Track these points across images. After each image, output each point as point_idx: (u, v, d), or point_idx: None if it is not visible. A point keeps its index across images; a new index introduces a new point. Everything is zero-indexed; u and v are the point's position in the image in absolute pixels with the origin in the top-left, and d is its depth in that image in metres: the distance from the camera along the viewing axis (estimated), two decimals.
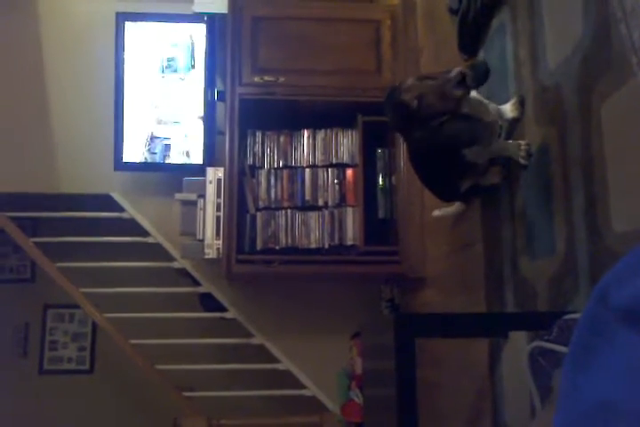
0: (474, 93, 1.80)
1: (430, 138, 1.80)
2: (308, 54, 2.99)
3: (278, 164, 3.05)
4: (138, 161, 3.32)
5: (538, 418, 1.06)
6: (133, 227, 3.45)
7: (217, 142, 3.26)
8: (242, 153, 3.00)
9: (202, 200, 3.06)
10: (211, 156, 3.28)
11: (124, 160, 3.29)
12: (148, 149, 3.31)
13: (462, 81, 1.68)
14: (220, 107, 3.26)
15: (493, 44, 2.02)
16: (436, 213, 2.32)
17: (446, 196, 2.19)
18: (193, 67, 3.34)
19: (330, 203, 3.01)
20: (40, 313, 4.50)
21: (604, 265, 1.37)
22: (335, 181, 3.03)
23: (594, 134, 1.42)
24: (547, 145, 1.66)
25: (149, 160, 3.32)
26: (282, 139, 3.07)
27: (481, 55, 2.12)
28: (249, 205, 2.99)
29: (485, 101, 1.81)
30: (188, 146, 3.32)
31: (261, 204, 3.00)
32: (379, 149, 3.10)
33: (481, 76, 1.84)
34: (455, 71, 1.69)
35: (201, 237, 3.04)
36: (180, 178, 3.16)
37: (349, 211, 2.98)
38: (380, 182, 3.07)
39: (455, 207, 2.22)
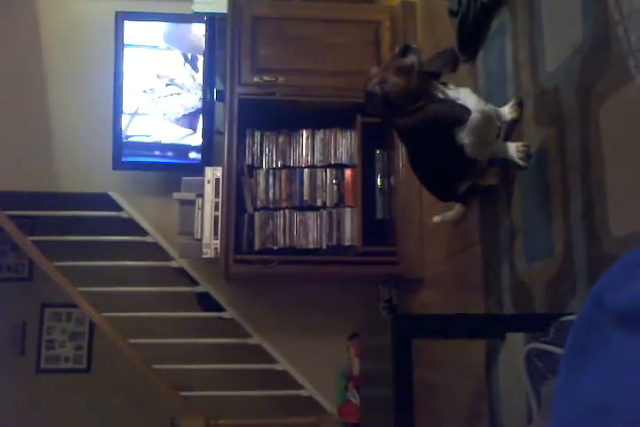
0: (455, 92, 1.80)
1: (412, 124, 1.79)
2: (307, 55, 3.00)
3: (277, 164, 3.05)
4: (136, 160, 3.32)
5: (535, 422, 1.07)
6: (131, 226, 3.45)
7: (216, 142, 3.26)
8: (240, 153, 3.00)
9: (200, 200, 3.06)
10: (209, 155, 3.28)
11: (123, 159, 3.29)
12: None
13: (405, 49, 1.70)
14: (219, 106, 3.26)
15: (493, 46, 2.02)
16: (436, 219, 2.30)
17: (444, 196, 2.19)
18: (193, 67, 3.34)
19: (328, 203, 3.01)
20: (37, 312, 4.50)
21: (602, 268, 1.37)
22: (334, 181, 3.03)
23: (592, 137, 1.43)
24: (545, 147, 1.66)
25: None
26: (281, 139, 3.07)
27: (480, 56, 2.12)
28: (247, 205, 2.99)
29: (464, 95, 1.80)
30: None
31: (260, 204, 3.00)
32: (377, 150, 3.10)
33: (449, 60, 1.84)
34: (398, 45, 1.75)
35: (199, 237, 3.04)
36: (179, 177, 3.16)
37: (348, 211, 2.98)
38: (379, 183, 3.07)
39: (455, 212, 2.21)
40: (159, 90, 3.32)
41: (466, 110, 1.76)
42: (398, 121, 1.81)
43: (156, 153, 3.33)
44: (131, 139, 3.31)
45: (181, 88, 3.33)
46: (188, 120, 3.32)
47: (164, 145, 3.33)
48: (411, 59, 1.72)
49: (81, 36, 3.54)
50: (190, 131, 3.31)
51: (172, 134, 3.33)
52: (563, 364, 0.58)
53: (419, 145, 1.96)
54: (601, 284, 0.57)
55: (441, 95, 1.75)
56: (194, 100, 3.31)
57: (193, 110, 3.30)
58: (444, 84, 1.80)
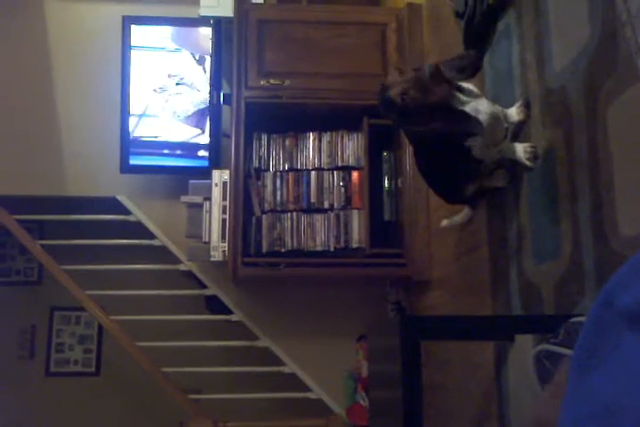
0: (470, 86, 1.79)
1: (426, 132, 1.80)
2: (313, 57, 3.00)
3: (284, 166, 3.06)
4: (144, 163, 3.33)
5: (539, 401, 1.06)
6: (139, 229, 3.46)
7: (223, 145, 3.27)
8: (248, 156, 3.01)
9: (208, 203, 3.07)
10: (217, 158, 3.29)
11: (130, 161, 3.30)
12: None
13: (436, 73, 1.69)
14: (225, 109, 3.27)
15: (499, 47, 2.02)
16: (444, 223, 2.30)
17: (452, 198, 2.19)
18: (201, 68, 3.35)
19: (335, 205, 3.01)
20: (47, 315, 4.52)
21: (611, 268, 1.37)
22: (341, 183, 3.03)
23: (600, 137, 1.42)
24: (553, 148, 1.66)
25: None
26: (287, 141, 3.08)
27: (487, 58, 2.12)
28: (254, 208, 3.00)
29: (476, 99, 1.80)
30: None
31: (267, 206, 3.00)
32: (384, 152, 3.10)
33: (471, 64, 1.83)
34: (429, 65, 1.70)
35: (207, 240, 3.04)
36: (186, 180, 3.16)
37: (355, 213, 2.98)
38: (386, 185, 3.07)
39: (462, 215, 2.21)
40: (170, 88, 3.33)
41: (479, 124, 1.76)
42: (410, 128, 1.82)
43: (165, 151, 3.35)
44: (138, 139, 3.33)
45: (191, 86, 3.34)
46: (197, 119, 3.33)
47: (172, 144, 3.34)
48: (439, 85, 1.71)
49: (88, 41, 3.56)
50: (199, 131, 3.33)
51: (180, 134, 3.34)
52: (573, 365, 0.58)
53: (426, 147, 1.96)
54: (610, 284, 0.57)
55: (457, 105, 1.74)
56: (204, 97, 3.33)
57: (203, 106, 3.31)
58: (457, 86, 1.80)
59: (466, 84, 1.82)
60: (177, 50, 3.38)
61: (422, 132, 1.82)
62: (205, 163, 3.30)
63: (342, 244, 2.95)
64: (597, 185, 1.43)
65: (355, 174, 3.03)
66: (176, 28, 3.41)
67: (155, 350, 3.39)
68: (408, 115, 1.76)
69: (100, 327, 4.19)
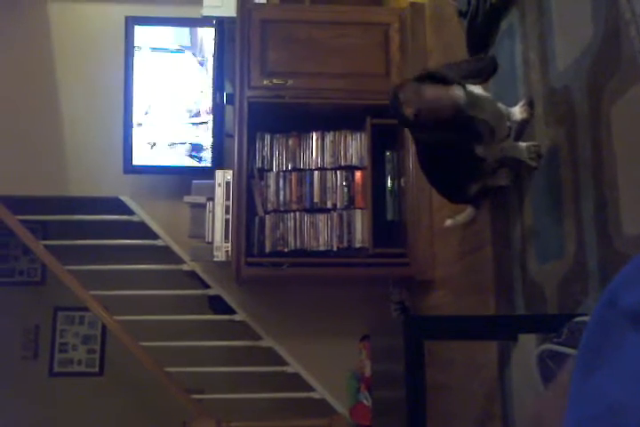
0: (479, 90, 1.78)
1: (435, 140, 1.80)
2: (316, 57, 3.00)
3: (287, 166, 3.06)
4: (148, 164, 3.33)
5: (540, 399, 1.05)
6: (143, 230, 3.46)
7: (226, 145, 3.27)
8: (251, 156, 3.01)
9: (211, 203, 3.07)
10: (220, 158, 3.29)
11: (134, 163, 3.30)
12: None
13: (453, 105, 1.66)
14: (228, 110, 3.27)
15: (502, 46, 2.02)
16: (448, 222, 2.30)
17: (455, 198, 2.19)
18: (204, 69, 3.35)
19: (338, 205, 3.01)
20: (50, 315, 4.53)
21: (614, 268, 1.37)
22: (344, 183, 3.03)
23: (604, 136, 1.42)
24: (556, 147, 1.66)
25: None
26: (290, 141, 3.08)
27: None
28: (258, 208, 3.00)
29: (486, 99, 1.79)
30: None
31: (270, 206, 3.00)
32: (387, 152, 3.10)
33: (485, 68, 1.82)
34: (448, 98, 1.64)
35: (210, 240, 3.04)
36: (189, 181, 3.17)
37: (358, 213, 2.98)
38: (389, 185, 3.07)
39: (466, 215, 2.21)
40: (172, 90, 3.33)
41: (486, 126, 1.74)
42: (420, 136, 1.83)
43: (168, 152, 3.35)
44: (141, 140, 3.32)
45: (193, 88, 3.34)
46: (200, 120, 3.33)
47: (176, 144, 3.34)
48: (456, 107, 1.68)
49: (91, 42, 3.56)
50: (202, 131, 3.33)
51: (184, 135, 3.34)
52: (577, 364, 0.58)
53: (429, 147, 1.96)
54: (614, 284, 0.57)
55: (467, 111, 1.72)
56: (207, 99, 3.33)
57: (206, 109, 3.32)
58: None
59: (472, 86, 1.81)
60: (180, 50, 3.38)
61: (432, 138, 1.82)
62: (208, 163, 3.30)
63: (345, 243, 2.95)
64: (601, 184, 1.43)
65: (357, 174, 3.03)
66: (179, 28, 3.41)
67: (158, 350, 3.39)
68: (420, 127, 1.75)
69: (104, 327, 4.19)
